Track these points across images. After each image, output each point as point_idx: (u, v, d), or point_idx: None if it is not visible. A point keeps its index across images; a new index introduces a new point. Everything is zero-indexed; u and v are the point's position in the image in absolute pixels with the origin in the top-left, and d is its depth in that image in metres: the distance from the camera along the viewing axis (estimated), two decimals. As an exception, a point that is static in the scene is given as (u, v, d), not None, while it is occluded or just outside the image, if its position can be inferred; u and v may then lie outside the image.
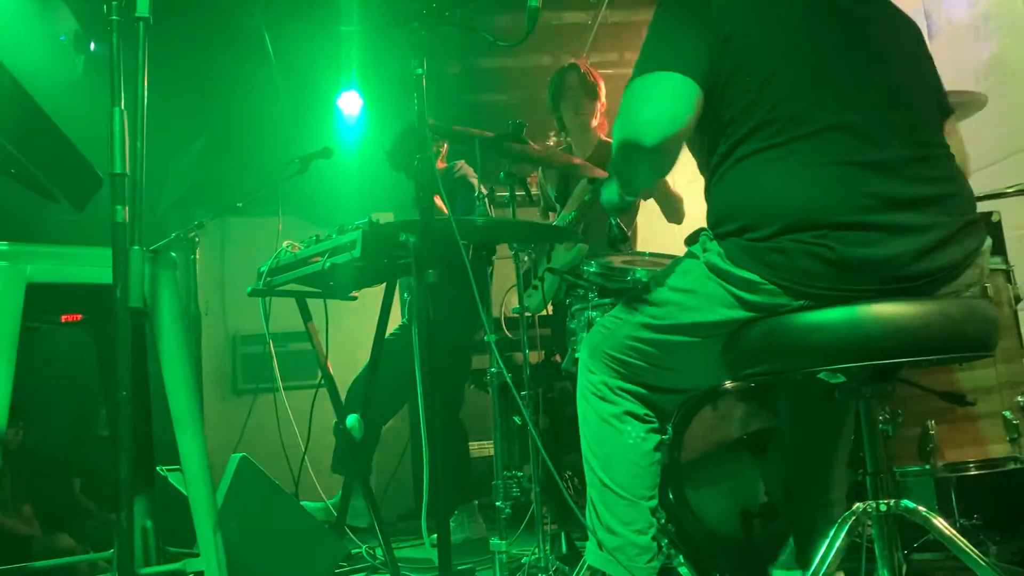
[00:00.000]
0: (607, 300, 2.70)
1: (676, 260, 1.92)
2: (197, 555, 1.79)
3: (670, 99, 1.69)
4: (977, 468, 2.41)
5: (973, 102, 2.67)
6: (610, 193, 2.16)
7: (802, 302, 1.65)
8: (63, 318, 1.92)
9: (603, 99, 3.90)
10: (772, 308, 1.68)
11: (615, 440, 1.96)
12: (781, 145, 1.68)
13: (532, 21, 2.09)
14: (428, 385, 2.66)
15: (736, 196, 1.75)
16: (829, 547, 1.70)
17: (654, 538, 1.97)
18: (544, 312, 3.66)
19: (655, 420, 1.98)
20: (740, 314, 1.72)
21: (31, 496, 4.26)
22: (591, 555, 2.00)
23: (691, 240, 1.90)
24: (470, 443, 4.43)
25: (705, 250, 1.79)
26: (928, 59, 1.87)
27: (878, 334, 1.59)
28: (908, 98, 1.76)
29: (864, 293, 1.62)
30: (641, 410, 1.96)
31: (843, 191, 1.63)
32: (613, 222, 2.92)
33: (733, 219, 1.74)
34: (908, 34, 1.86)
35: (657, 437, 1.98)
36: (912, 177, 1.66)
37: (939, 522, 1.68)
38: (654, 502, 1.97)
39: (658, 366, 1.91)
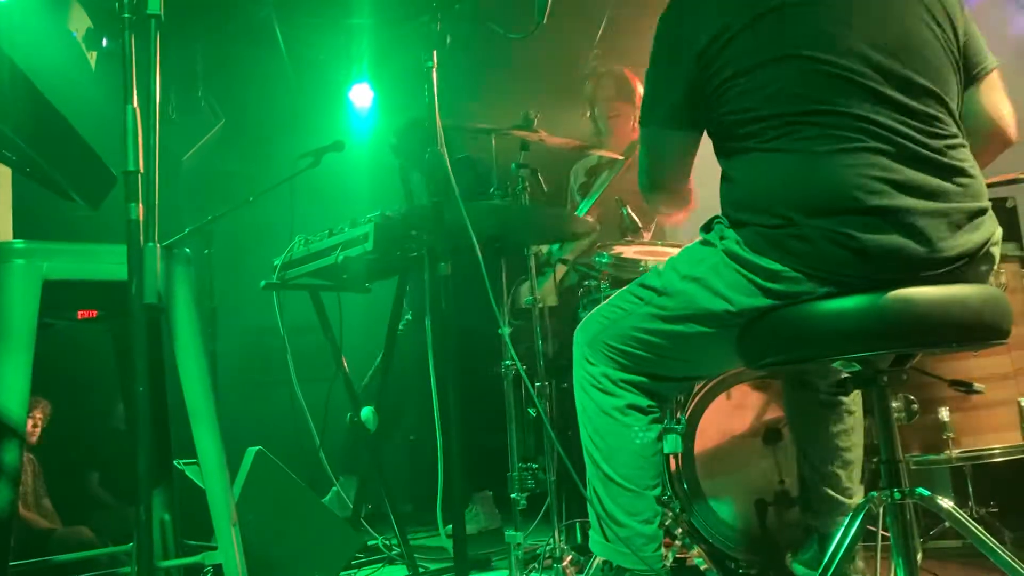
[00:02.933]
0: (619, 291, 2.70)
1: (687, 248, 1.91)
2: (215, 548, 1.81)
3: (662, 153, 1.97)
4: (993, 456, 2.40)
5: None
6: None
7: (827, 288, 1.64)
8: (79, 314, 1.93)
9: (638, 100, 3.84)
10: (794, 296, 1.67)
11: (618, 432, 1.95)
12: (795, 134, 1.68)
13: (542, 13, 2.09)
14: (442, 376, 2.67)
15: (755, 182, 1.75)
16: (844, 535, 1.70)
17: (665, 526, 1.97)
18: (553, 303, 3.66)
19: (657, 410, 1.97)
20: (760, 302, 1.71)
21: (50, 490, 4.31)
22: (596, 545, 2.00)
23: (707, 228, 1.89)
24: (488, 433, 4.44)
25: (722, 238, 1.78)
26: (952, 41, 1.79)
27: (898, 322, 1.60)
28: (932, 92, 1.72)
29: (886, 281, 1.61)
30: (644, 402, 1.95)
31: (862, 178, 1.62)
32: (625, 212, 2.92)
33: (751, 205, 1.73)
34: (941, 19, 1.78)
35: (659, 427, 1.98)
36: (931, 165, 1.65)
37: (954, 510, 1.68)
38: (659, 491, 1.97)
39: (666, 356, 1.90)
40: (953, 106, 1.76)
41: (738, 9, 1.75)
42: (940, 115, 1.72)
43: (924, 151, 1.66)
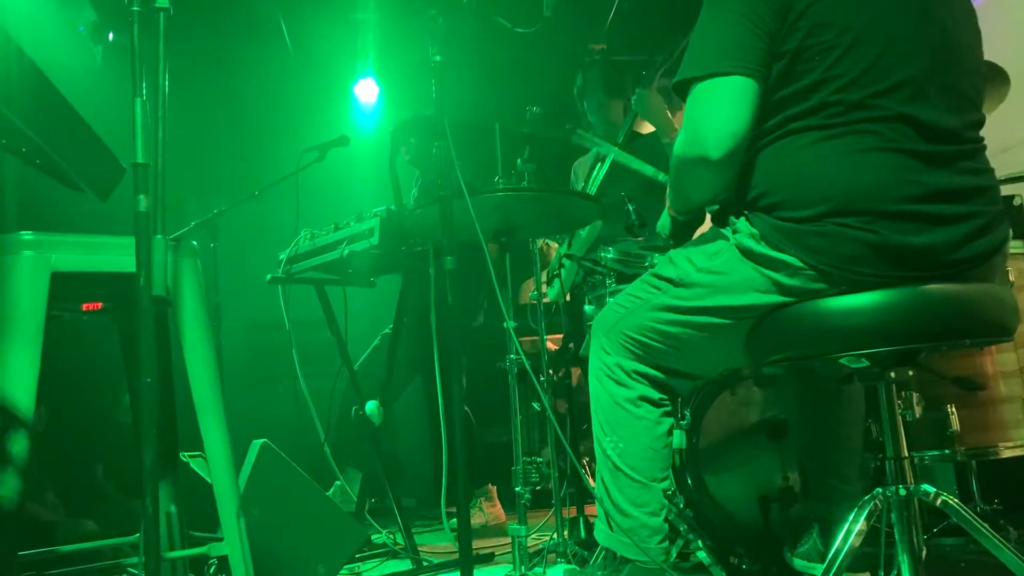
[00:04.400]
0: (625, 286, 2.69)
1: (702, 238, 1.89)
2: (221, 539, 1.81)
3: (734, 109, 1.66)
4: (998, 452, 2.40)
5: (996, 79, 2.65)
6: (663, 223, 2.06)
7: (842, 288, 1.63)
8: (85, 306, 1.93)
9: (615, 98, 3.79)
10: (809, 293, 1.66)
11: (629, 423, 1.95)
12: (838, 127, 1.65)
13: (549, 7, 2.09)
14: (446, 372, 2.68)
15: (780, 171, 1.70)
16: (848, 532, 1.70)
17: (670, 521, 1.97)
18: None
19: (669, 404, 1.97)
20: (774, 299, 1.70)
21: (55, 482, 4.32)
22: (601, 534, 2.00)
23: (718, 218, 1.87)
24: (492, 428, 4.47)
25: (736, 231, 1.76)
26: (980, 45, 1.81)
27: (909, 319, 1.60)
28: (966, 95, 1.73)
29: (904, 280, 1.61)
30: (656, 395, 1.95)
31: (895, 179, 1.62)
32: (631, 208, 2.91)
33: (771, 193, 1.70)
34: (971, 20, 1.80)
35: (670, 420, 1.98)
36: (960, 170, 1.66)
37: (959, 506, 1.68)
38: (667, 483, 1.97)
39: (679, 348, 1.90)
40: (983, 111, 1.77)
41: None
42: (974, 119, 1.73)
43: (958, 156, 1.66)
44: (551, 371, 2.80)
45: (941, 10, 1.74)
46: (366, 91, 5.87)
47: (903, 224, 1.60)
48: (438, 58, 2.14)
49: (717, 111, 1.67)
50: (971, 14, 1.81)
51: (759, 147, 1.74)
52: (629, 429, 1.95)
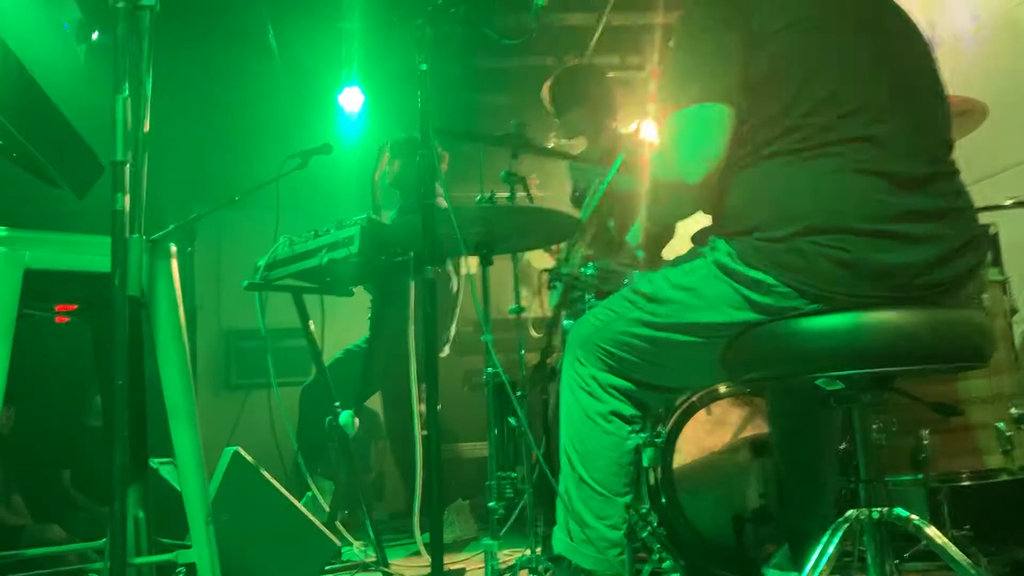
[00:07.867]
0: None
1: (681, 257, 1.91)
2: (189, 547, 1.78)
3: (709, 135, 1.73)
4: (970, 479, 2.41)
5: (975, 112, 2.68)
6: (635, 232, 2.12)
7: (816, 306, 1.64)
8: (58, 307, 1.91)
9: (582, 105, 3.70)
10: (782, 311, 1.67)
11: (598, 438, 1.96)
12: (807, 150, 1.68)
13: (537, 19, 2.09)
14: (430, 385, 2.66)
15: (754, 194, 1.74)
16: (822, 553, 1.70)
17: (642, 540, 1.97)
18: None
19: (640, 422, 1.98)
20: (748, 316, 1.71)
21: (21, 486, 4.25)
22: (559, 543, 2.01)
23: (698, 238, 1.88)
24: (465, 443, 4.45)
25: (714, 249, 1.78)
26: (938, 75, 1.87)
27: (883, 342, 1.60)
28: (930, 118, 1.77)
29: (877, 300, 1.62)
30: (628, 411, 1.96)
31: (865, 199, 1.64)
32: (611, 226, 2.92)
33: (748, 217, 1.73)
34: (928, 50, 1.87)
35: (638, 438, 1.99)
36: (929, 191, 1.68)
37: (931, 531, 1.68)
38: (629, 498, 1.98)
39: (651, 362, 1.90)
40: (950, 137, 1.80)
41: (784, 5, 1.75)
42: (944, 142, 1.76)
43: (928, 179, 1.69)
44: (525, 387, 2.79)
45: (896, 42, 1.81)
46: (351, 100, 5.86)
47: (873, 242, 1.62)
48: (424, 67, 2.13)
49: (692, 138, 1.74)
50: (926, 45, 1.87)
51: (732, 174, 1.77)
52: (597, 443, 1.95)
